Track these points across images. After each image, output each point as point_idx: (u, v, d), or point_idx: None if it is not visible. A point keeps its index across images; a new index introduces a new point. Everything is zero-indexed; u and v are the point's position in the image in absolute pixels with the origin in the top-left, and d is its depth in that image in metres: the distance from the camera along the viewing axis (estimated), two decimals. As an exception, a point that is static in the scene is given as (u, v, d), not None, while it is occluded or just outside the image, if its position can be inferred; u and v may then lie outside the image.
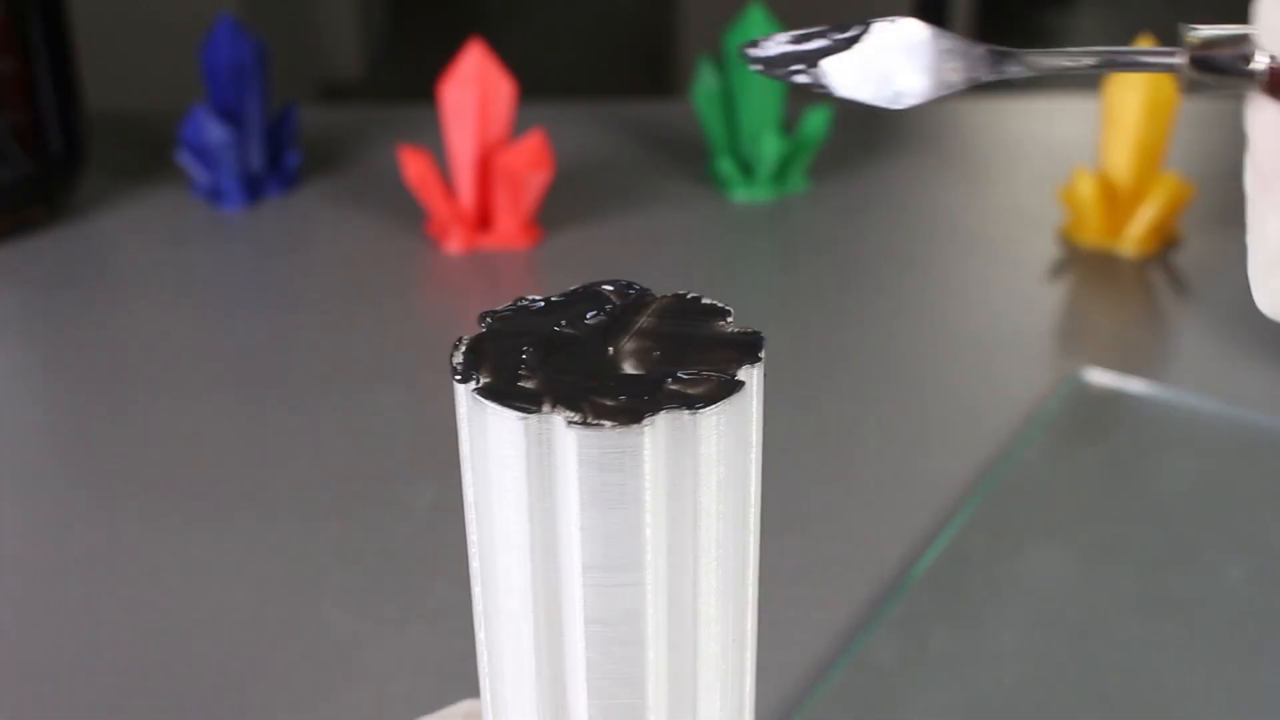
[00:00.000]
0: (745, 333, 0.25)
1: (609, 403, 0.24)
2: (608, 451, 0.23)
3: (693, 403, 0.24)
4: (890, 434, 0.60)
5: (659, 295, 0.27)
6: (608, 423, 0.23)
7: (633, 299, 0.27)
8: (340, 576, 0.51)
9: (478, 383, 0.24)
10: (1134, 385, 0.61)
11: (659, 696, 0.25)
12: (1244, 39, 0.29)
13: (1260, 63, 0.28)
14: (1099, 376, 0.62)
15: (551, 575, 0.25)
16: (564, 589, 0.25)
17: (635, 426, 0.23)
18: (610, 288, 0.27)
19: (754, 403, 0.25)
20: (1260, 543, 0.52)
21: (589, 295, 0.27)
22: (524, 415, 0.23)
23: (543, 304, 0.27)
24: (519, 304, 0.27)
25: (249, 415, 0.61)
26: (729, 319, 0.26)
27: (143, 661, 0.47)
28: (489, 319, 0.26)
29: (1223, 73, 0.29)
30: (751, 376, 0.25)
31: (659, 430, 0.23)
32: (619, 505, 0.24)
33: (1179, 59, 0.30)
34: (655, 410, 0.23)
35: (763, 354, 0.25)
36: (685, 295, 0.27)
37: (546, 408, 0.23)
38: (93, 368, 0.66)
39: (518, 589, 0.25)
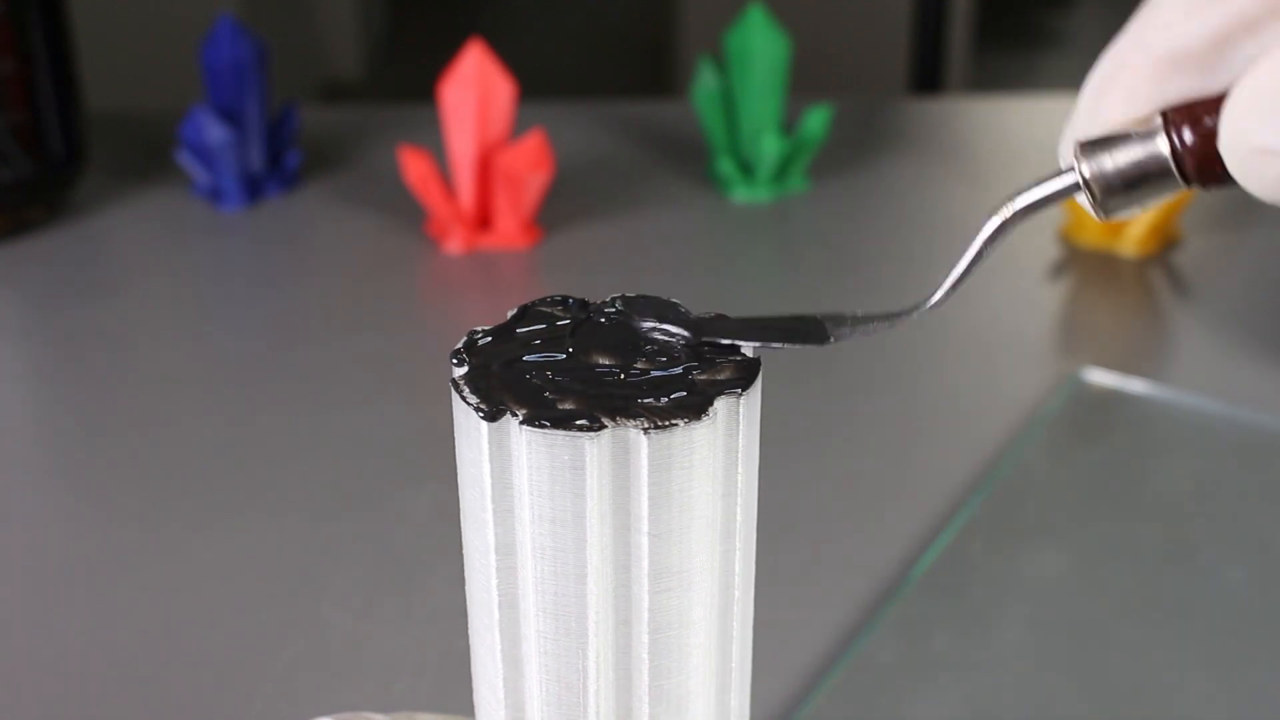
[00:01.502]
0: (744, 359, 0.25)
1: (566, 408, 0.23)
2: (556, 456, 0.23)
3: (645, 423, 0.23)
4: (890, 434, 0.60)
5: (686, 310, 0.27)
6: (558, 428, 0.23)
7: (676, 316, 0.26)
8: (340, 576, 0.51)
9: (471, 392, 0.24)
10: (1134, 385, 0.61)
11: (604, 710, 0.25)
12: (1143, 134, 0.25)
13: (1162, 146, 0.24)
14: (1099, 376, 0.62)
15: (510, 580, 0.25)
16: (520, 596, 0.25)
17: (581, 434, 0.23)
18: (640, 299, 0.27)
19: (732, 429, 0.24)
20: (1260, 543, 0.52)
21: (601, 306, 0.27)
22: (485, 414, 0.24)
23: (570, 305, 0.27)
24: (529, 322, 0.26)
25: (248, 415, 0.61)
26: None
27: (143, 661, 0.47)
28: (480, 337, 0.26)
29: (1136, 180, 0.25)
30: (731, 407, 0.24)
31: (604, 443, 0.23)
32: (564, 512, 0.24)
33: (1080, 172, 0.26)
34: (603, 423, 0.23)
35: (744, 390, 0.24)
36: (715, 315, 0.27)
37: (509, 408, 0.23)
38: (92, 368, 0.66)
39: (482, 591, 0.25)
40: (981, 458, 0.57)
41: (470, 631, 0.27)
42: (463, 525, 0.25)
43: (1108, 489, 0.56)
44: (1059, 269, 0.74)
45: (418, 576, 0.51)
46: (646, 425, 0.23)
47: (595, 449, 0.23)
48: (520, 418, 0.23)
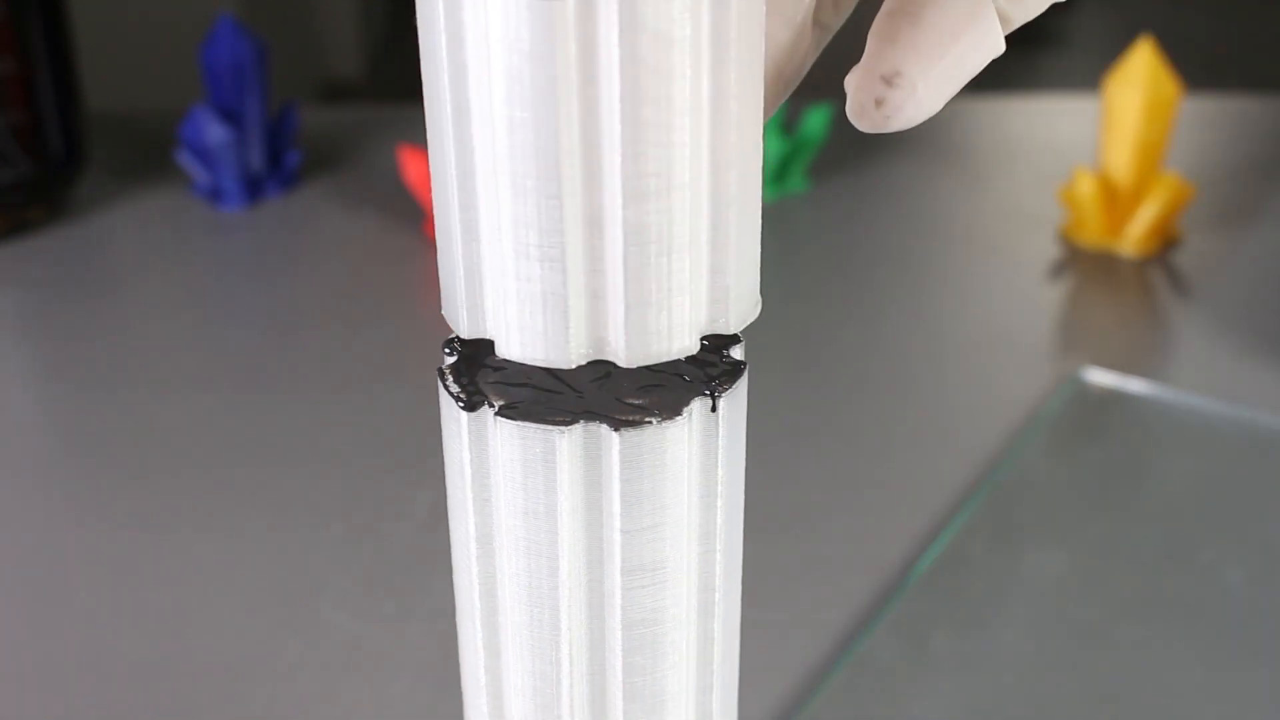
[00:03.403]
0: (730, 361, 0.25)
1: (541, 401, 0.24)
2: (529, 448, 0.23)
3: (617, 420, 0.23)
4: (890, 434, 0.60)
5: None
6: (529, 420, 0.23)
7: None
8: (340, 577, 0.51)
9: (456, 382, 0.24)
10: (1134, 385, 0.61)
11: (577, 704, 0.25)
12: None
13: None
14: (1099, 376, 0.62)
15: (488, 570, 0.25)
16: (498, 586, 0.25)
17: (551, 427, 0.23)
18: None
19: (710, 430, 0.24)
20: (1260, 543, 0.52)
21: None
22: (464, 404, 0.24)
23: None
24: None
25: (248, 415, 0.61)
26: (734, 345, 0.26)
27: (143, 661, 0.47)
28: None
29: None
30: (709, 408, 0.24)
31: (574, 438, 0.23)
32: (536, 504, 0.24)
33: None
34: (575, 417, 0.23)
35: (721, 391, 0.24)
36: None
37: (487, 398, 0.24)
38: (92, 368, 0.66)
39: (465, 580, 0.25)
40: (981, 458, 0.57)
41: (457, 621, 0.27)
42: (449, 515, 0.26)
43: (1108, 489, 0.56)
44: (1059, 269, 0.74)
45: (418, 576, 0.51)
46: (618, 422, 0.23)
47: (565, 443, 0.23)
48: (496, 408, 0.23)
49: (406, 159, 0.74)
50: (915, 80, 0.25)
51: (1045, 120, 0.93)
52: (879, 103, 0.25)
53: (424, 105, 0.23)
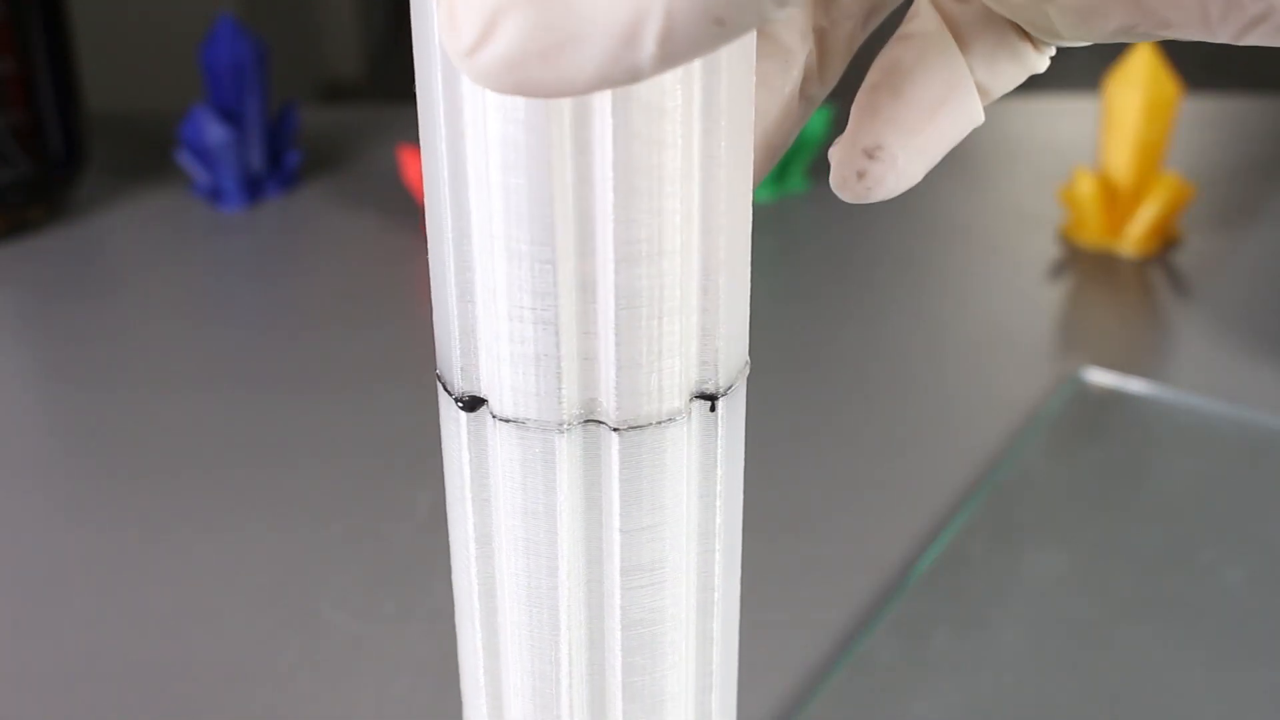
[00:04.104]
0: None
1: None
2: (528, 448, 0.23)
3: (616, 420, 0.23)
4: (890, 434, 0.60)
5: None
6: (529, 420, 0.23)
7: None
8: (340, 577, 0.51)
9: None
10: (1134, 385, 0.61)
11: (576, 704, 0.25)
12: None
13: None
14: (1099, 376, 0.62)
15: (487, 571, 0.25)
16: (497, 586, 0.25)
17: (551, 429, 0.23)
18: None
19: (709, 430, 0.24)
20: (1260, 543, 0.52)
21: None
22: (464, 405, 0.24)
23: None
24: None
25: (248, 415, 0.61)
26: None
27: (143, 661, 0.47)
28: None
29: None
30: (708, 408, 0.24)
31: (574, 438, 0.23)
32: (536, 505, 0.24)
33: None
34: (575, 420, 0.23)
35: (722, 399, 0.24)
36: None
37: (485, 399, 0.24)
38: (92, 368, 0.66)
39: (464, 581, 0.25)
40: (981, 458, 0.57)
41: (456, 621, 0.27)
42: (448, 516, 0.26)
43: (1108, 489, 0.56)
44: (1059, 269, 0.74)
45: (418, 576, 0.51)
46: (617, 423, 0.23)
47: (564, 443, 0.23)
48: (493, 408, 0.23)
49: (406, 159, 0.74)
50: (896, 153, 0.26)
51: (1045, 120, 0.93)
52: (861, 175, 0.26)
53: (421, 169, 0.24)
